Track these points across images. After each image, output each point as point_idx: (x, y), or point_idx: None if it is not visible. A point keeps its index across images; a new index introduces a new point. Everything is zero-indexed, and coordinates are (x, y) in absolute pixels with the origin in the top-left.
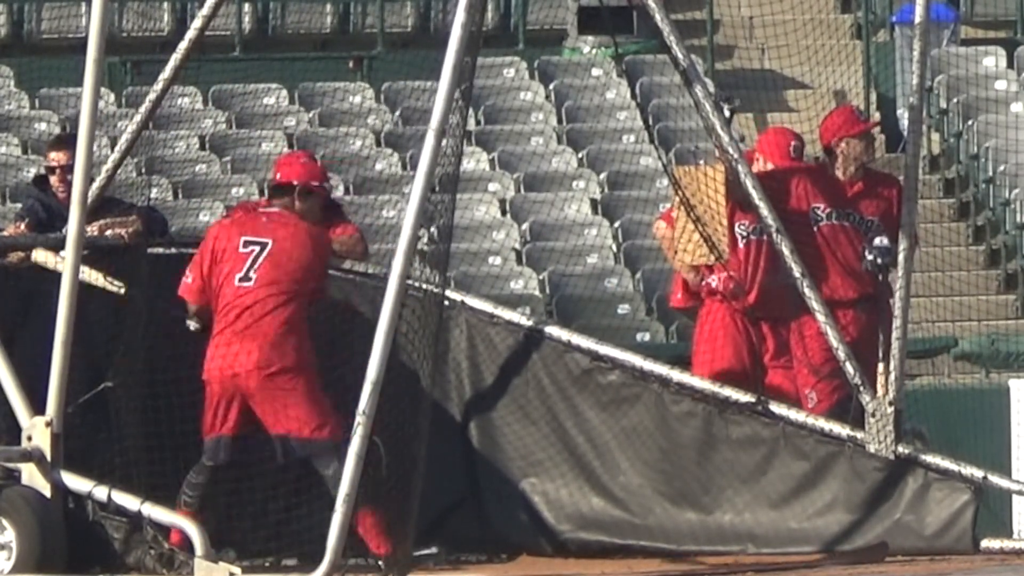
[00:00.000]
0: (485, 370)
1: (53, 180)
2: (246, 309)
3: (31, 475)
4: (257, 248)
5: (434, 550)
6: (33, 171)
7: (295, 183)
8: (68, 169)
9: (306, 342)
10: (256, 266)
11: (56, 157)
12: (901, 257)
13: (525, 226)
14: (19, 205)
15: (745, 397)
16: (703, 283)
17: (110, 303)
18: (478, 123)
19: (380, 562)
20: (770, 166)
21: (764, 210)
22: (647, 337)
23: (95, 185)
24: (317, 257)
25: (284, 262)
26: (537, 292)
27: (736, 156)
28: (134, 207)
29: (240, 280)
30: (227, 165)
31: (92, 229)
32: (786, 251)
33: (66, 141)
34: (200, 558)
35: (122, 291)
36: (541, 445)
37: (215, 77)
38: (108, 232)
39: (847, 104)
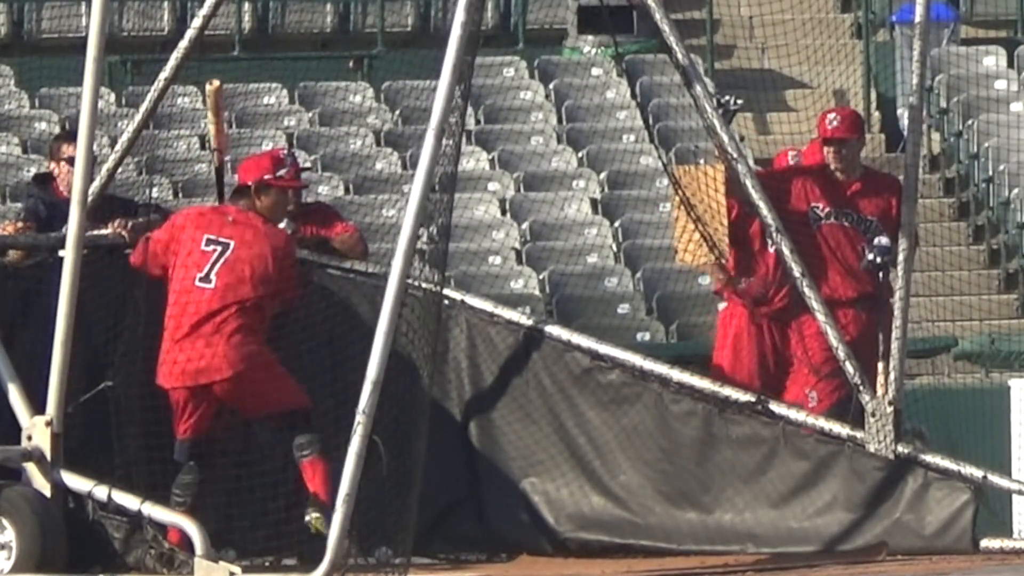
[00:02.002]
0: (485, 369)
1: (62, 173)
2: (211, 314)
3: (31, 474)
4: (219, 248)
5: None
6: (33, 170)
7: (249, 184)
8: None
9: (263, 339)
10: (216, 268)
11: (68, 149)
12: (901, 257)
13: (525, 225)
14: (19, 205)
15: (745, 396)
16: (732, 284)
17: (110, 303)
18: (478, 122)
19: (313, 510)
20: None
21: (763, 210)
22: (647, 337)
23: (95, 184)
24: (274, 266)
25: (242, 268)
26: (537, 291)
27: (736, 156)
28: (136, 204)
29: (200, 280)
30: (227, 165)
31: (107, 231)
32: (786, 251)
33: (75, 136)
34: (200, 558)
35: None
36: (541, 445)
37: (215, 77)
38: (108, 231)
39: (841, 105)
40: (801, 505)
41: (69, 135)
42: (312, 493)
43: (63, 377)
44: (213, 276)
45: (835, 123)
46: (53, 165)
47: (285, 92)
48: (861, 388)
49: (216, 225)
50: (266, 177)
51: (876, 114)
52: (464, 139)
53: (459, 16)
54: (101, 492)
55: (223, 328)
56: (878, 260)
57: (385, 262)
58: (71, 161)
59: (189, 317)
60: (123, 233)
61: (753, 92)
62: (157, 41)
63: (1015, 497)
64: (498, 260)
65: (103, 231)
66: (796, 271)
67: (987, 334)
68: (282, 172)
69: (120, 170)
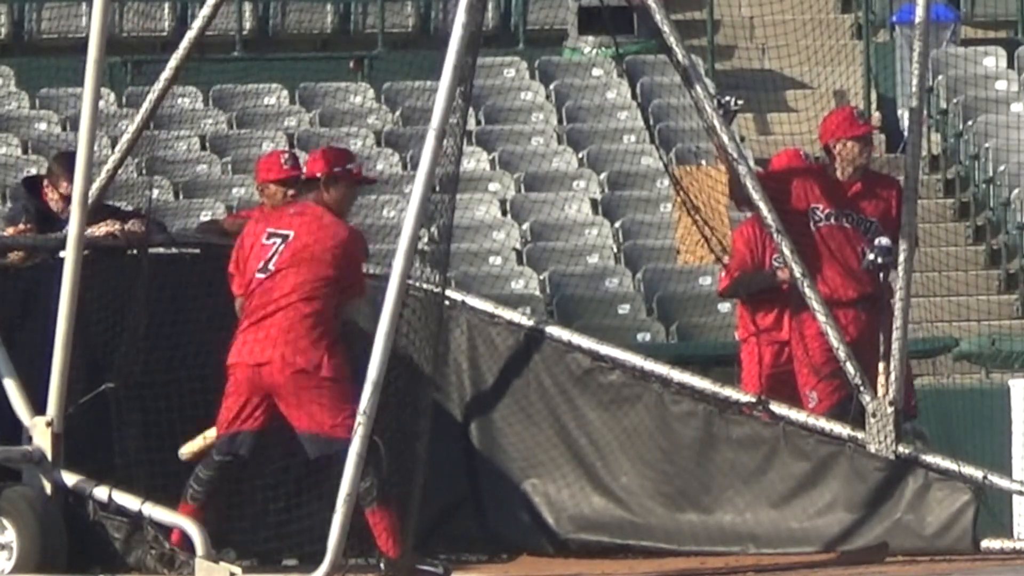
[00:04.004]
0: (486, 370)
1: (56, 200)
2: (267, 301)
3: (32, 475)
4: (279, 240)
5: (440, 570)
6: (33, 171)
7: (319, 176)
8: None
9: (333, 338)
10: (275, 257)
11: (67, 187)
12: (901, 257)
13: (525, 226)
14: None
15: (745, 397)
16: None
17: (110, 303)
18: (478, 123)
19: (381, 562)
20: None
21: (764, 210)
22: (647, 337)
23: (95, 186)
24: (334, 255)
25: (301, 253)
26: (537, 292)
27: (736, 156)
28: (125, 212)
29: (259, 271)
30: (227, 165)
31: (95, 231)
32: (786, 251)
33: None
34: (200, 558)
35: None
36: (542, 446)
37: (215, 77)
38: (99, 232)
39: (847, 104)
40: (802, 506)
41: (70, 169)
42: (381, 551)
43: (64, 378)
44: (271, 265)
45: (862, 120)
46: (48, 186)
47: (285, 92)
48: (862, 388)
49: (278, 219)
50: (336, 169)
51: (876, 114)
52: (465, 140)
53: (460, 17)
54: (101, 492)
55: (288, 315)
56: (879, 261)
57: (386, 263)
58: (67, 200)
59: (255, 306)
60: (115, 233)
61: (753, 92)
62: (157, 41)
63: (1015, 498)
64: (499, 261)
65: (95, 232)
66: (796, 271)
67: (987, 334)
68: (351, 165)
69: (120, 171)
